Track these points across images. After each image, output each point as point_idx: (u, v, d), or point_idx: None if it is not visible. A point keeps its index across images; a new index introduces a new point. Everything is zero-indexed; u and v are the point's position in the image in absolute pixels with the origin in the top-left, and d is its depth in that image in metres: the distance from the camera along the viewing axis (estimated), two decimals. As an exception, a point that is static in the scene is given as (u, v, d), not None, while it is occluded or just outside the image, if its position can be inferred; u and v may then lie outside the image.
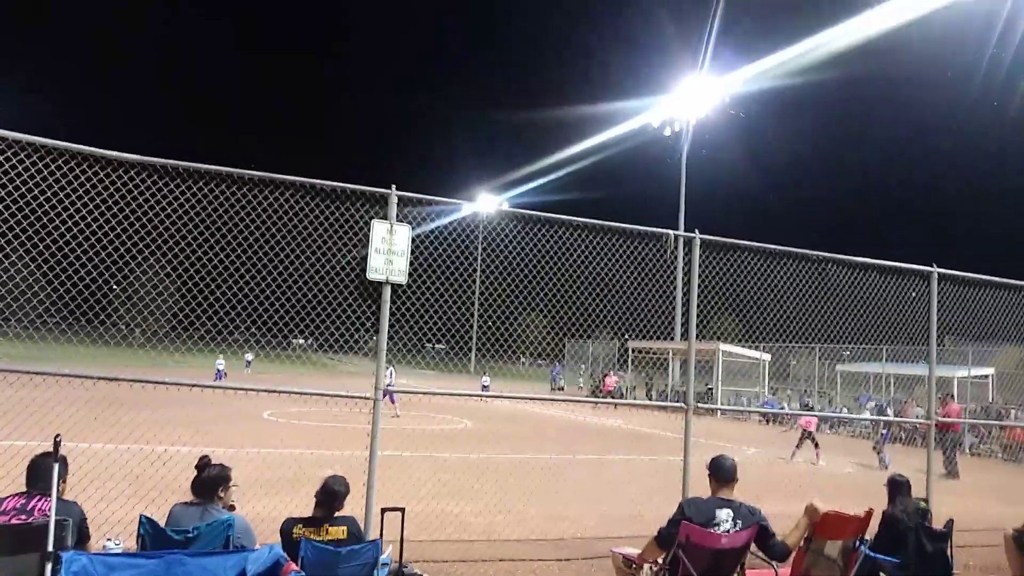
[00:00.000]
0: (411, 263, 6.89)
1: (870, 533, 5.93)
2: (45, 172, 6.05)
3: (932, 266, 9.32)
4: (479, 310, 9.05)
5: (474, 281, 8.66)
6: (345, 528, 4.69)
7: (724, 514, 4.97)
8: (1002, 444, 22.27)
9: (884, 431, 18.96)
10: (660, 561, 5.01)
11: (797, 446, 17.85)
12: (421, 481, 8.77)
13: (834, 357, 31.14)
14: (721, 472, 5.20)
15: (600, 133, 55.97)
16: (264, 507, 6.60)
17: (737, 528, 4.94)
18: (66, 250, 6.31)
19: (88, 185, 6.21)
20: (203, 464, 4.88)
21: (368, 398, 6.75)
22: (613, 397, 31.33)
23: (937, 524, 6.21)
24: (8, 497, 4.31)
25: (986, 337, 11.10)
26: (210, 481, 4.76)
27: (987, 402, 26.17)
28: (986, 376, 26.36)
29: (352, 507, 5.17)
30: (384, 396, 6.88)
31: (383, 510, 5.97)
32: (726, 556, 4.91)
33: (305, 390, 7.69)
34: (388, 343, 6.74)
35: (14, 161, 5.93)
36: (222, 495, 4.79)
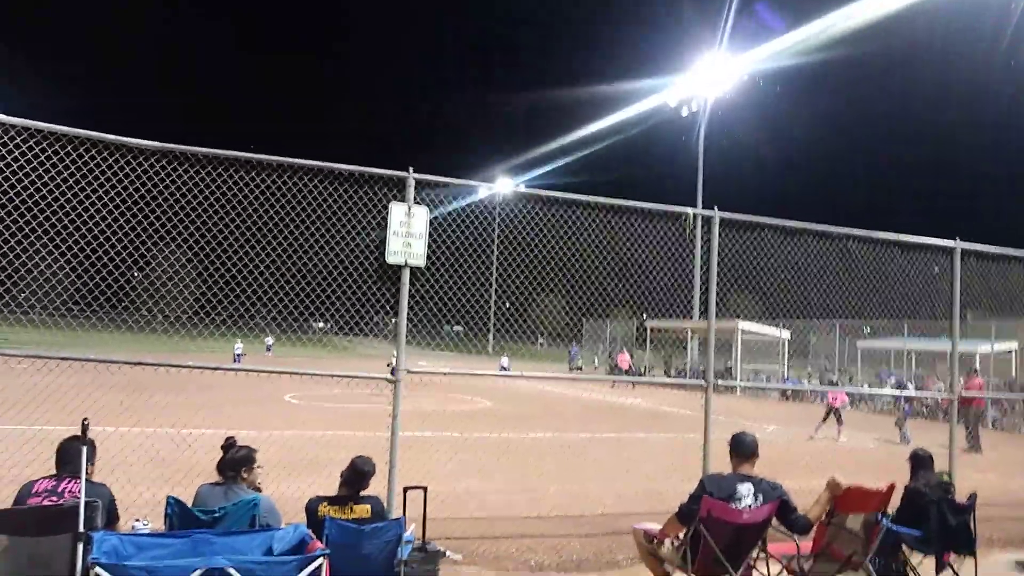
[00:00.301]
0: (428, 245, 6.91)
1: (892, 508, 5.93)
2: (67, 160, 6.11)
3: (955, 240, 9.20)
4: (496, 291, 9.07)
5: (491, 262, 8.68)
6: (369, 507, 4.76)
7: (745, 489, 4.99)
8: (1026, 419, 22.09)
9: (907, 406, 18.85)
10: (681, 536, 5.04)
11: (823, 421, 17.75)
12: (442, 461, 8.84)
13: (855, 333, 30.92)
14: (742, 447, 5.21)
15: (617, 113, 55.48)
16: (288, 488, 6.69)
17: (758, 503, 4.96)
18: (88, 237, 6.39)
19: (109, 173, 6.27)
20: (228, 445, 4.95)
21: (390, 380, 6.81)
22: (627, 375, 31.40)
23: (960, 498, 6.19)
24: (39, 479, 4.41)
25: (1011, 311, 10.99)
26: (235, 462, 4.84)
27: (1010, 377, 25.93)
28: (1009, 351, 26.08)
29: (375, 486, 5.24)
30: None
31: (405, 489, 6.04)
32: (747, 531, 4.93)
33: (327, 372, 7.76)
34: (407, 325, 6.79)
35: (36, 150, 5.99)
36: (246, 476, 4.85)
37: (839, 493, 5.34)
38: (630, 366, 33.82)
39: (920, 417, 20.62)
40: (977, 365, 23.14)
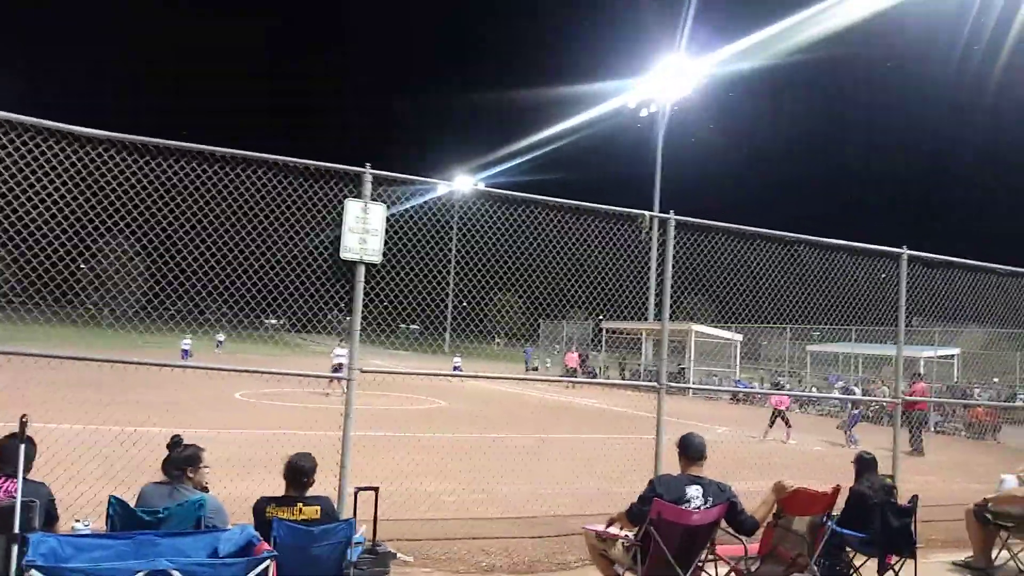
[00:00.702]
0: (385, 243, 6.84)
1: (837, 509, 6.05)
2: (10, 148, 5.91)
3: (902, 247, 9.44)
4: (454, 290, 9.03)
5: (449, 261, 8.64)
6: (319, 507, 4.69)
7: (694, 491, 5.04)
8: (965, 423, 22.79)
9: (855, 412, 19.20)
10: (631, 536, 5.07)
11: (769, 425, 18.08)
12: (395, 461, 8.77)
13: (804, 338, 31.58)
14: (690, 449, 5.26)
15: (577, 114, 55.98)
16: (237, 488, 6.56)
17: (708, 505, 5.01)
18: (32, 228, 6.18)
19: (55, 161, 6.08)
20: (174, 443, 4.84)
21: (343, 378, 6.73)
22: (574, 375, 31.65)
23: (902, 500, 6.35)
24: (-26, 479, 4.26)
25: (953, 318, 11.31)
26: (181, 460, 4.73)
27: (952, 381, 26.73)
28: (951, 356, 26.89)
29: (326, 487, 5.17)
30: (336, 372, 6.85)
31: (357, 489, 5.98)
32: (697, 532, 4.98)
33: (279, 370, 7.64)
34: (361, 323, 6.71)
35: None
36: (192, 475, 4.75)
37: (784, 496, 5.44)
38: (578, 365, 34.04)
39: (866, 421, 21.10)
40: (921, 370, 23.81)
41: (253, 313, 7.80)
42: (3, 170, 5.94)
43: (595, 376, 33.88)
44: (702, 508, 4.98)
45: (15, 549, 3.48)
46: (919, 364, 24.43)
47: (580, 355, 35.56)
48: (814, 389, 29.10)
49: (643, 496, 5.02)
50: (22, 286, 6.63)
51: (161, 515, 4.26)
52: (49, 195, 6.15)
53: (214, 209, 6.77)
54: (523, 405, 22.63)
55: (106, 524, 4.29)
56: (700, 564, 5.18)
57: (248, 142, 6.43)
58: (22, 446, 3.80)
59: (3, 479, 4.20)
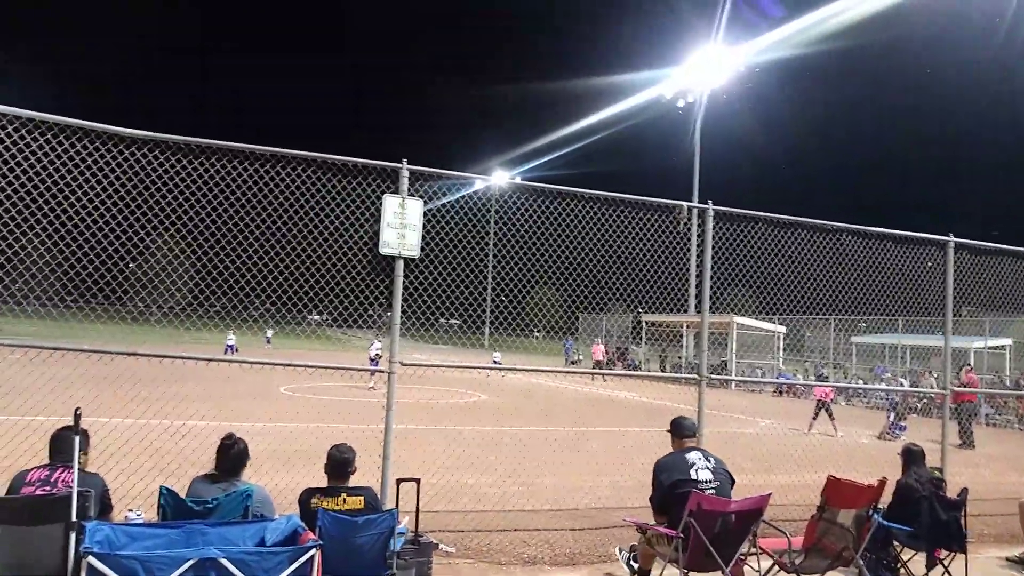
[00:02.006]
0: (423, 238, 6.90)
1: (885, 502, 5.95)
2: (60, 151, 6.08)
3: (948, 235, 9.22)
4: (492, 284, 9.06)
5: (487, 255, 8.67)
6: (362, 498, 4.77)
7: (694, 456, 5.34)
8: (1019, 415, 22.17)
9: (902, 424, 18.13)
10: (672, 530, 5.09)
11: (813, 417, 17.74)
12: (436, 453, 8.85)
13: (849, 329, 31.00)
14: (682, 429, 5.61)
15: (613, 105, 55.55)
16: (282, 480, 6.69)
17: (712, 464, 5.27)
18: (82, 227, 6.36)
19: (103, 163, 6.25)
20: (229, 444, 4.88)
21: (384, 371, 6.81)
22: (601, 367, 31.65)
23: (952, 493, 6.22)
24: (32, 469, 4.41)
25: (1003, 307, 11.01)
26: (236, 458, 4.81)
27: (1004, 372, 26.03)
28: (1003, 347, 26.17)
29: (368, 479, 5.25)
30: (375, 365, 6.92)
31: (398, 481, 6.04)
32: (737, 521, 4.96)
33: (321, 364, 7.76)
34: (401, 318, 6.78)
35: (28, 140, 5.95)
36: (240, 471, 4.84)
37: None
38: (603, 357, 33.97)
39: (914, 413, 20.64)
40: (971, 361, 23.22)
41: (296, 309, 7.93)
42: (54, 172, 6.12)
43: (636, 369, 33.69)
44: (709, 472, 5.22)
45: (73, 537, 3.60)
46: (969, 355, 23.82)
47: (610, 347, 35.46)
48: (860, 381, 28.52)
49: (655, 483, 5.28)
50: (74, 285, 6.82)
51: (210, 505, 4.37)
52: (97, 195, 6.31)
53: (256, 207, 6.90)
54: (563, 398, 22.65)
55: (157, 514, 4.42)
56: (743, 557, 5.15)
57: (289, 141, 6.52)
58: (77, 438, 3.92)
59: (60, 469, 4.34)
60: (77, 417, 3.96)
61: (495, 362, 23.56)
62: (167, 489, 4.42)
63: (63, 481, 4.23)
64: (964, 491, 6.09)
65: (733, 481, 5.41)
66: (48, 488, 4.23)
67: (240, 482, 4.72)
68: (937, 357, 24.73)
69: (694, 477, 5.17)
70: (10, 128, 5.90)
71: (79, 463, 3.99)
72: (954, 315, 9.44)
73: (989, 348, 25.81)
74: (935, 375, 21.02)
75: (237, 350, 31.63)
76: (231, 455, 4.80)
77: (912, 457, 6.40)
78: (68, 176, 6.18)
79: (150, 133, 6.32)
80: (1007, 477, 12.20)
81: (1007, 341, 25.75)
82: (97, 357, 6.38)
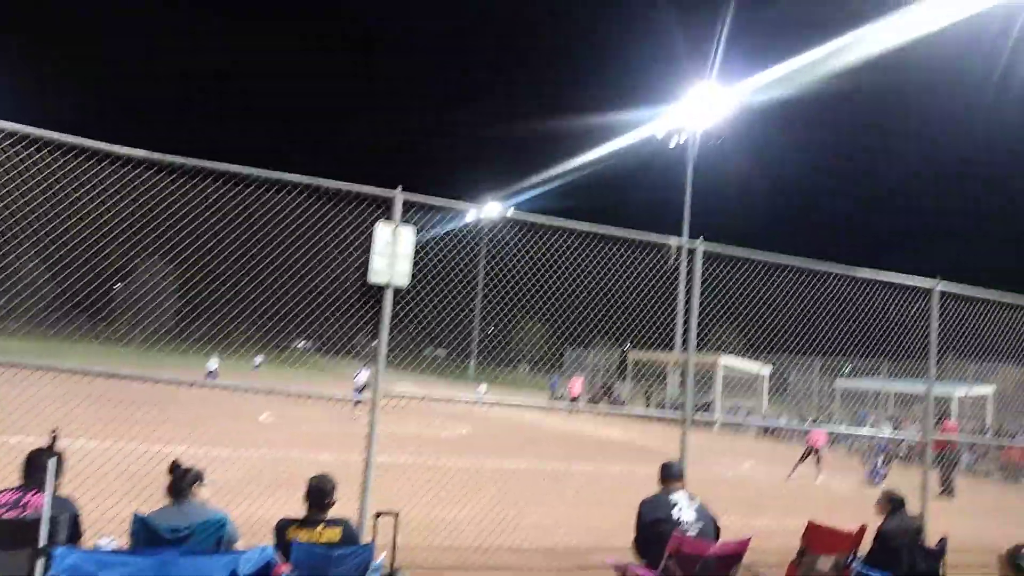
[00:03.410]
0: (413, 267, 6.88)
1: (864, 549, 5.92)
2: (52, 167, 6.06)
3: (936, 278, 9.25)
4: (480, 316, 9.05)
5: (476, 287, 8.67)
6: (340, 530, 4.70)
7: (677, 496, 5.37)
8: (999, 464, 22.20)
9: (881, 470, 18.25)
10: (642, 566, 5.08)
11: (801, 460, 17.61)
12: (416, 486, 8.76)
13: (834, 372, 31.06)
14: (670, 471, 5.63)
15: (607, 143, 55.97)
16: (259, 508, 6.59)
17: (696, 506, 5.29)
18: (70, 246, 6.32)
19: (96, 180, 6.22)
20: (174, 468, 4.84)
21: (363, 401, 6.76)
22: (577, 402, 31.68)
23: (931, 542, 6.20)
24: (2, 491, 4.32)
25: (987, 355, 11.05)
26: (188, 480, 4.74)
27: (984, 421, 26.11)
28: (984, 395, 26.28)
29: (347, 510, 5.18)
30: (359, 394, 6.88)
31: (377, 514, 5.97)
32: (716, 565, 4.92)
33: (304, 391, 7.69)
34: (387, 347, 6.74)
35: (14, 155, 5.92)
36: (196, 492, 4.76)
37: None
38: (579, 394, 33.97)
39: (897, 459, 20.63)
40: (953, 408, 23.30)
41: (281, 335, 7.89)
42: (46, 188, 6.08)
43: (622, 405, 33.59)
44: (692, 509, 5.26)
45: (40, 563, 3.53)
46: (952, 402, 23.90)
47: (595, 384, 35.45)
48: (842, 426, 28.50)
49: (638, 524, 5.29)
50: (59, 302, 6.77)
51: (183, 534, 4.30)
52: (88, 213, 6.29)
53: (247, 230, 6.88)
54: (546, 434, 22.50)
55: (129, 541, 4.33)
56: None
57: (279, 164, 6.49)
58: (52, 460, 3.86)
59: (32, 492, 4.26)
60: (53, 438, 3.90)
61: (479, 394, 23.46)
62: (140, 516, 4.35)
63: (33, 505, 4.15)
64: (943, 540, 6.08)
65: (718, 528, 5.38)
66: (17, 511, 4.14)
67: (211, 511, 4.65)
68: (920, 404, 24.85)
69: (676, 517, 5.17)
70: (4, 144, 5.87)
71: (52, 487, 3.92)
72: (938, 362, 9.48)
73: (971, 396, 25.92)
74: (916, 423, 21.09)
75: (218, 376, 31.35)
76: (179, 477, 4.73)
77: (893, 504, 6.39)
78: (57, 193, 6.15)
79: (143, 152, 6.29)
80: (987, 527, 12.18)
81: (989, 389, 25.87)
82: (77, 377, 6.31)
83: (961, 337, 10.01)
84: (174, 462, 4.89)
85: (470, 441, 18.70)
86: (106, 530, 5.67)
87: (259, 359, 34.04)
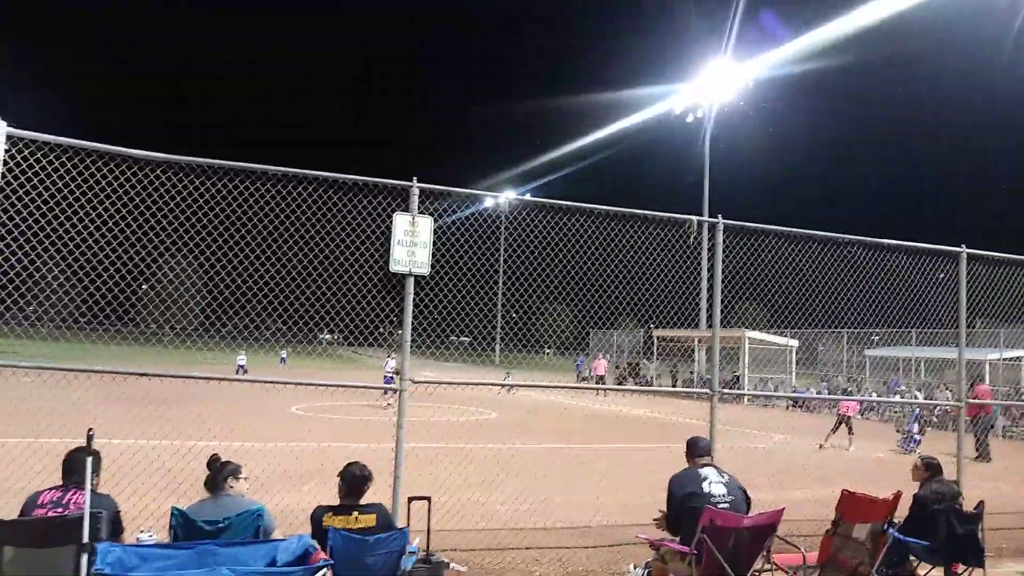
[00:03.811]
0: (433, 255, 6.92)
1: (900, 516, 5.89)
2: (74, 172, 6.14)
3: (961, 246, 9.15)
4: (503, 301, 9.06)
5: (497, 272, 8.67)
6: (375, 516, 4.74)
7: (707, 471, 5.32)
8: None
9: (916, 436, 18.09)
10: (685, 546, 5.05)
11: (833, 430, 17.55)
12: (447, 472, 8.82)
13: (863, 342, 30.79)
14: (697, 448, 5.58)
15: (623, 121, 55.62)
16: (293, 499, 6.69)
17: (726, 480, 5.25)
18: (95, 249, 6.41)
19: (116, 184, 6.31)
20: (213, 461, 4.92)
21: (396, 389, 6.82)
22: (603, 382, 31.67)
23: (968, 507, 6.14)
24: (44, 491, 4.42)
25: (1018, 318, 10.90)
26: (224, 473, 4.82)
27: (1019, 384, 25.75)
28: (1019, 358, 25.91)
29: (379, 497, 5.23)
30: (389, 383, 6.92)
31: (410, 499, 6.03)
32: (750, 537, 4.92)
33: (333, 382, 7.77)
34: (412, 335, 6.79)
35: (43, 163, 6.01)
36: (233, 485, 4.84)
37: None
38: (606, 372, 34.00)
39: (930, 426, 20.41)
40: (986, 373, 23.00)
41: (307, 328, 7.95)
42: (68, 194, 6.18)
43: (648, 385, 33.55)
44: (723, 482, 5.21)
45: (84, 558, 3.60)
46: (984, 367, 23.59)
47: (621, 363, 35.47)
48: (874, 394, 28.26)
49: (670, 500, 5.25)
50: (87, 306, 6.88)
51: (222, 525, 4.37)
52: (111, 216, 6.37)
53: (267, 226, 6.95)
54: (574, 415, 22.54)
55: (169, 535, 4.42)
56: (757, 573, 5.10)
57: (297, 161, 6.55)
58: (89, 459, 3.94)
59: (72, 491, 4.35)
60: (89, 438, 3.97)
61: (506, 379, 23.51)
62: (178, 509, 4.43)
63: (74, 503, 4.24)
64: (981, 504, 6.01)
65: (749, 500, 5.36)
66: (60, 510, 4.24)
67: (248, 501, 4.72)
68: (951, 369, 24.56)
69: (707, 491, 5.15)
70: (26, 151, 5.96)
71: (91, 484, 4.00)
72: (968, 327, 9.36)
73: (1005, 360, 25.57)
74: (950, 388, 20.85)
75: (247, 371, 31.76)
76: (217, 470, 4.81)
77: (929, 470, 6.33)
78: (82, 198, 6.24)
79: (161, 155, 6.38)
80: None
81: (1022, 352, 25.50)
82: (110, 378, 6.42)
83: (989, 302, 9.88)
84: (213, 456, 4.97)
85: (497, 425, 18.79)
86: (145, 525, 5.78)
87: (284, 353, 34.43)
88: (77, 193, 6.19)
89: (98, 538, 3.79)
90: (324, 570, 3.58)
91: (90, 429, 4.05)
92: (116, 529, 4.47)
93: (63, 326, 7.22)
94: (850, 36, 44.27)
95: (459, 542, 7.01)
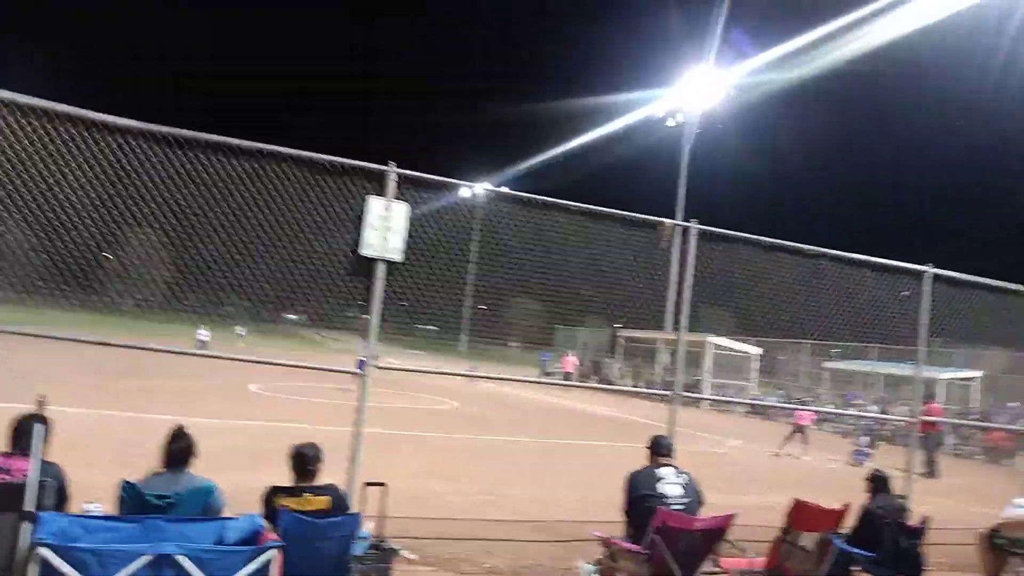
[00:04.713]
0: (406, 242, 6.86)
1: (848, 527, 5.99)
2: (43, 134, 5.99)
3: (928, 265, 9.29)
4: (472, 291, 9.03)
5: (468, 262, 8.64)
6: (328, 498, 4.70)
7: (665, 471, 5.42)
8: (983, 447, 22.46)
9: (866, 450, 18.42)
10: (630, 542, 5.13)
11: (787, 439, 17.87)
12: (405, 459, 8.81)
13: (823, 354, 31.25)
14: (660, 447, 5.67)
15: (605, 123, 55.59)
16: (247, 478, 6.61)
17: (683, 480, 5.36)
18: (59, 212, 6.26)
19: (84, 148, 6.16)
20: (177, 434, 4.80)
21: (357, 373, 6.77)
22: (571, 379, 31.88)
23: (914, 521, 6.27)
24: (-11, 456, 4.32)
25: (976, 339, 11.10)
26: (185, 451, 4.72)
27: (968, 405, 26.39)
28: (970, 379, 26.53)
29: (335, 481, 5.19)
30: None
31: (365, 484, 6.00)
32: (700, 538, 4.98)
33: (294, 362, 7.70)
34: (379, 321, 6.74)
35: (9, 122, 5.86)
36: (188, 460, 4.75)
37: None
38: (574, 370, 34.13)
39: (882, 441, 20.83)
40: (939, 392, 23.51)
41: (272, 306, 7.85)
42: (34, 154, 6.03)
43: (610, 383, 33.74)
44: (679, 487, 5.30)
45: (26, 527, 3.53)
46: (937, 385, 24.11)
47: (584, 361, 35.61)
48: (832, 407, 28.74)
49: (627, 496, 5.36)
50: (48, 270, 6.72)
51: (171, 500, 4.31)
52: (77, 180, 6.23)
53: (237, 200, 6.82)
54: (536, 409, 22.64)
55: (117, 507, 4.34)
56: (704, 575, 5.17)
57: (274, 137, 6.47)
58: (38, 426, 3.86)
59: (18, 458, 4.26)
60: (40, 404, 3.89)
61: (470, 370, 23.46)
62: (128, 483, 4.35)
63: (20, 470, 4.14)
64: (925, 519, 6.15)
65: (702, 502, 5.42)
66: (4, 476, 4.14)
67: (199, 478, 4.65)
68: (908, 386, 25.05)
69: (660, 491, 5.22)
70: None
71: (39, 452, 3.92)
72: (927, 345, 9.52)
73: (958, 380, 26.18)
74: (905, 404, 21.25)
75: (208, 345, 31.33)
76: (179, 448, 4.70)
77: (877, 483, 6.45)
78: (47, 160, 6.09)
79: (135, 122, 6.24)
80: (969, 507, 12.34)
81: (977, 373, 26.10)
82: (69, 346, 6.30)
83: (951, 321, 10.04)
84: (179, 427, 4.83)
85: (459, 415, 18.79)
86: (94, 496, 5.68)
87: (242, 330, 33.93)
88: (42, 155, 6.05)
89: (43, 507, 3.72)
90: (273, 551, 3.54)
91: (41, 395, 3.97)
92: (62, 499, 4.39)
93: (22, 290, 7.05)
94: (833, 49, 44.71)
95: (413, 530, 6.98)
